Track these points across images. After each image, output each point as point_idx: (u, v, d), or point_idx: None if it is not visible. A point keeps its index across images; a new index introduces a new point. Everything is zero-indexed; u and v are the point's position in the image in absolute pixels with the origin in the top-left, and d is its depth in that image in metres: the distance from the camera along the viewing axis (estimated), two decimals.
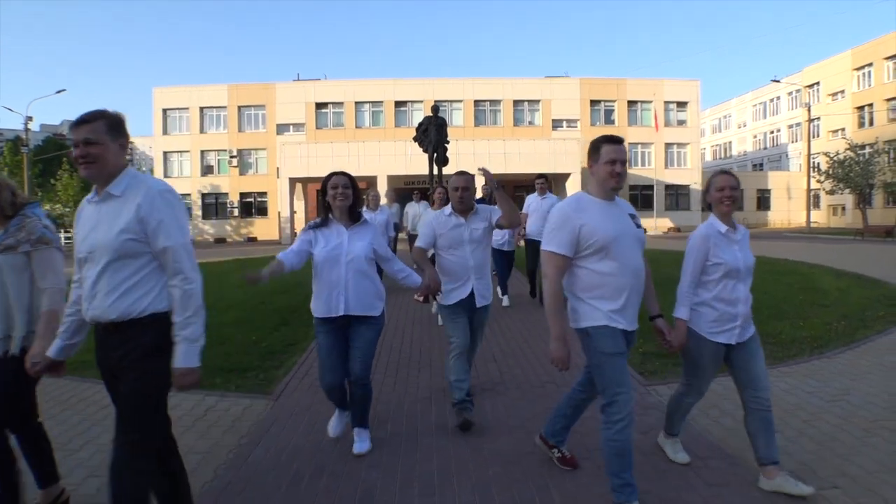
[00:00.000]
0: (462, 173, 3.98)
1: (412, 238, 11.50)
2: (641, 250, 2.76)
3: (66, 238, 42.63)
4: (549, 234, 2.70)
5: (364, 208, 8.98)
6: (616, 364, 2.64)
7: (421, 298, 6.15)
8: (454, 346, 3.88)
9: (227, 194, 40.26)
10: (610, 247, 2.60)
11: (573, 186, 32.17)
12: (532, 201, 8.34)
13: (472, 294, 3.88)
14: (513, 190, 32.06)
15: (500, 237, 8.12)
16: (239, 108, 39.99)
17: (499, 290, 8.53)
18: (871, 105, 41.38)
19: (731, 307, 2.92)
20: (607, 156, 2.66)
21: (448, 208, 3.99)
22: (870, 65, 41.43)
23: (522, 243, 8.71)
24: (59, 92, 34.32)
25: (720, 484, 2.94)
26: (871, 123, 41.34)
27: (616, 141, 2.70)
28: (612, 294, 2.64)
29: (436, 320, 7.10)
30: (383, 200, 13.35)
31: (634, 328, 2.76)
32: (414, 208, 11.51)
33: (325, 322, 3.39)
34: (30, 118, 34.16)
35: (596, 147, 2.72)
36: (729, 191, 2.93)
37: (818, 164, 38.42)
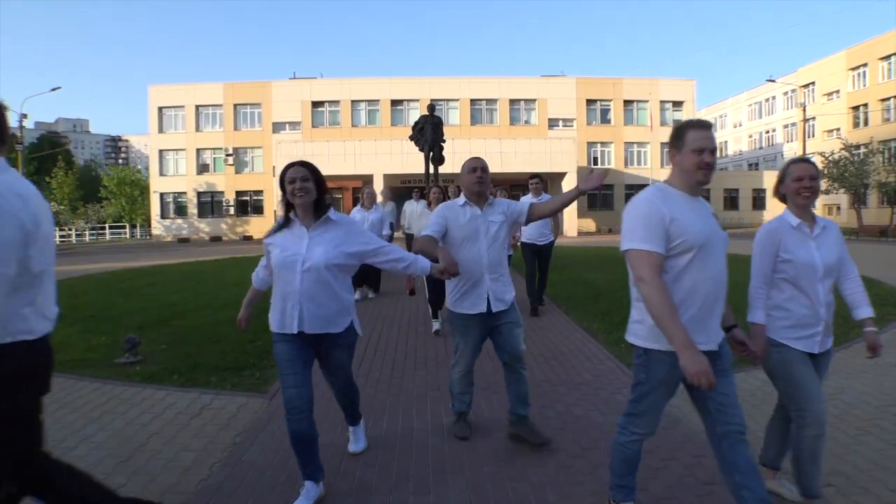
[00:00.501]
0: (478, 158, 3.58)
1: (409, 238, 11.23)
2: (723, 256, 2.36)
3: (63, 237, 42.52)
4: (634, 230, 2.26)
5: (359, 206, 8.84)
6: (660, 394, 2.37)
7: (409, 292, 6.23)
8: (459, 362, 3.55)
9: (222, 193, 40.19)
10: (698, 249, 2.22)
11: (568, 186, 32.21)
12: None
13: (486, 299, 3.38)
14: (509, 189, 32.06)
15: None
16: (235, 106, 39.93)
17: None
18: (865, 105, 41.57)
19: (808, 311, 2.60)
20: (695, 143, 2.27)
21: (461, 198, 3.55)
22: (864, 65, 41.62)
23: (519, 245, 8.52)
24: (53, 90, 34.12)
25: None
26: (865, 123, 41.54)
27: (704, 126, 2.32)
28: (692, 305, 2.23)
29: (430, 329, 6.88)
30: (379, 199, 13.23)
31: (713, 348, 2.30)
32: (412, 207, 11.23)
33: (284, 335, 2.89)
34: (24, 116, 33.90)
35: (680, 133, 2.33)
36: (808, 181, 2.63)
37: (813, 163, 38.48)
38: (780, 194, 2.79)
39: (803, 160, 2.72)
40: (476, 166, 3.47)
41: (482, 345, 3.55)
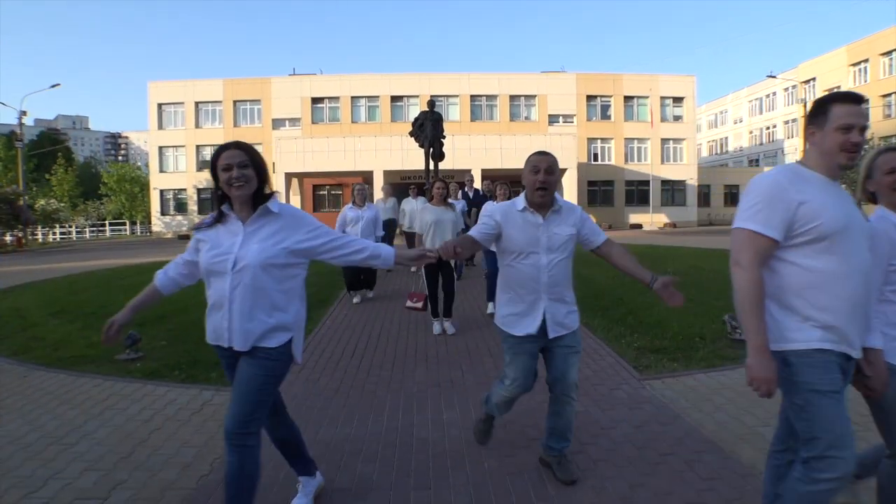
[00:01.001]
0: (544, 154, 2.91)
1: (409, 236, 10.95)
2: (868, 250, 1.99)
3: (63, 234, 42.51)
4: (750, 209, 1.98)
5: (350, 204, 8.26)
6: (831, 406, 1.96)
7: (419, 305, 5.95)
8: (508, 387, 2.97)
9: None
10: (835, 237, 1.88)
11: (569, 183, 32.21)
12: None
13: (542, 321, 2.84)
14: (510, 186, 32.03)
15: None
16: (234, 102, 39.87)
17: (491, 305, 7.49)
18: (867, 101, 41.47)
19: None
20: (841, 119, 1.93)
21: (520, 200, 2.92)
22: (865, 61, 41.56)
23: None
24: (53, 87, 34.08)
25: (713, 478, 2.96)
26: (867, 119, 41.47)
27: (854, 100, 1.97)
28: (830, 303, 1.90)
29: (431, 328, 6.59)
30: (379, 195, 13.02)
31: (858, 355, 2.01)
32: (410, 204, 11.06)
33: (222, 349, 2.40)
34: (24, 113, 33.85)
35: (823, 107, 1.99)
36: None
37: None
38: (869, 192, 2.38)
39: (893, 149, 2.32)
40: (539, 167, 2.82)
41: (535, 366, 2.97)
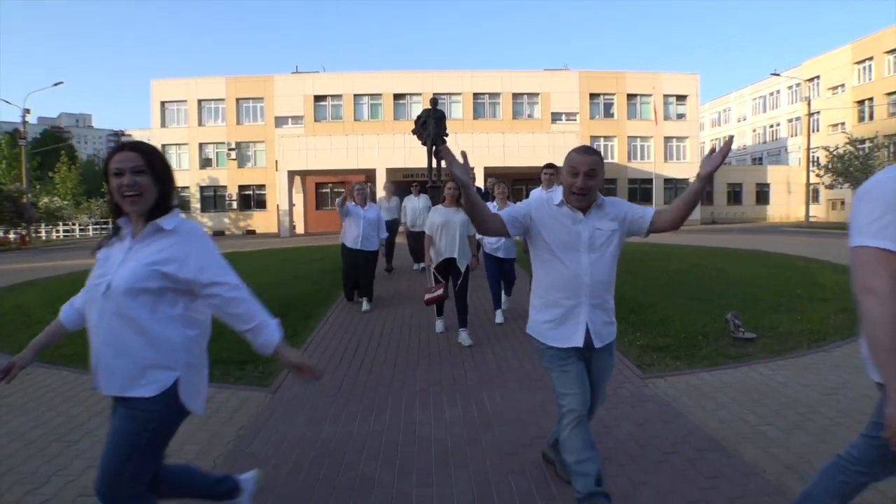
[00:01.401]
0: (586, 152, 2.52)
1: (411, 235, 10.73)
2: None
3: (66, 232, 42.62)
4: (876, 222, 1.63)
5: (351, 203, 7.55)
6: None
7: (439, 292, 5.85)
8: (567, 411, 2.50)
9: (225, 187, 40.21)
10: None
11: None
12: (538, 197, 6.35)
13: (584, 330, 2.53)
14: (512, 184, 32.03)
15: (495, 240, 6.53)
16: (237, 100, 39.87)
17: (498, 314, 6.90)
18: (871, 99, 41.34)
19: None
20: None
21: (558, 194, 2.59)
22: (870, 58, 41.36)
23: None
24: (56, 84, 34.13)
25: (716, 476, 2.96)
26: (871, 118, 41.31)
27: None
28: None
29: (435, 327, 6.45)
30: (381, 193, 12.32)
31: None
32: (413, 203, 10.77)
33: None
34: (27, 111, 33.92)
35: None
36: None
37: (818, 158, 38.41)
38: None
39: None
40: (578, 169, 2.45)
41: (588, 379, 2.59)
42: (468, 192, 2.38)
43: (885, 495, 2.60)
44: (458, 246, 5.92)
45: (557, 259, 2.54)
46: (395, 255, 11.45)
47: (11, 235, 31.95)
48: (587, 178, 2.44)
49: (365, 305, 7.65)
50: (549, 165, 6.63)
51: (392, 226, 10.71)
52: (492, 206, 7.82)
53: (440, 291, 5.87)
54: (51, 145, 58.90)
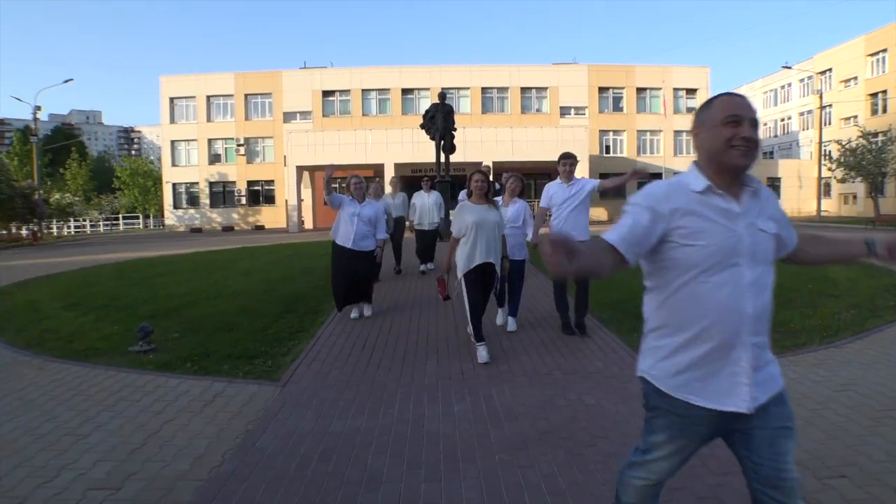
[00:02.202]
0: (740, 97, 1.70)
1: (419, 234, 10.00)
2: None
3: (77, 228, 42.96)
4: None
5: (347, 197, 6.78)
6: None
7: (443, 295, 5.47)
8: (647, 465, 1.95)
9: (234, 182, 40.38)
10: None
11: (580, 174, 31.89)
12: (555, 190, 5.85)
13: (744, 384, 1.68)
14: (522, 178, 31.96)
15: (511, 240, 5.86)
16: (246, 96, 40.00)
17: (500, 313, 6.48)
18: (884, 92, 40.80)
19: None
20: None
21: (693, 175, 1.71)
22: (884, 51, 40.78)
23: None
24: (66, 81, 34.33)
25: (727, 472, 2.93)
26: (884, 111, 40.79)
27: None
28: None
29: (479, 356, 5.07)
30: (388, 189, 11.44)
31: None
32: (422, 199, 9.91)
33: None
34: (38, 108, 34.14)
35: None
36: None
37: (829, 152, 38.01)
38: None
39: None
40: (741, 116, 1.64)
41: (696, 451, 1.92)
42: (578, 258, 1.50)
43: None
44: (496, 248, 5.17)
45: (709, 275, 1.66)
46: (401, 253, 10.69)
47: (23, 231, 32.23)
48: (753, 129, 1.65)
49: (366, 311, 6.95)
50: (567, 156, 5.83)
51: (399, 223, 10.12)
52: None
53: (445, 292, 5.52)
54: (62, 142, 59.38)
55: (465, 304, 5.26)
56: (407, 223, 10.38)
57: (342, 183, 34.45)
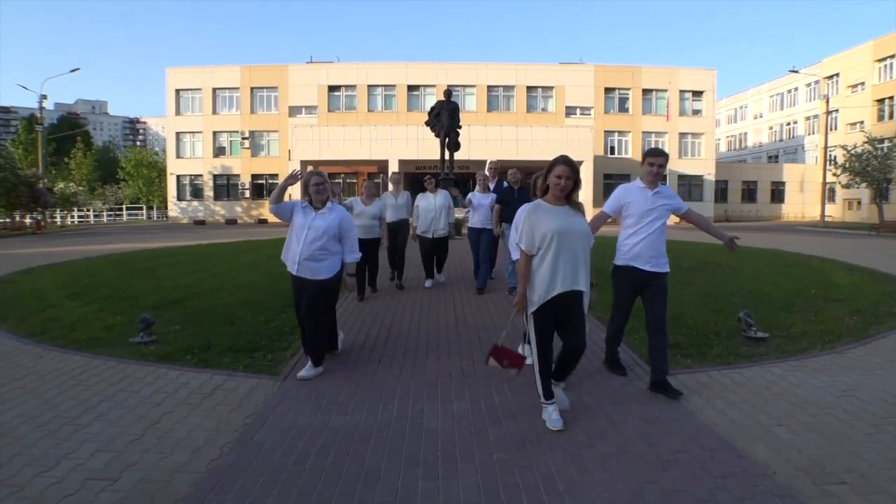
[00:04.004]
0: None
1: (423, 242, 8.45)
2: None
3: (81, 217, 43.04)
4: None
5: (300, 202, 4.89)
6: None
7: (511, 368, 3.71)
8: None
9: (238, 176, 40.44)
10: None
11: (585, 176, 31.95)
12: (635, 197, 4.34)
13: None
14: (525, 176, 31.91)
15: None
16: (252, 89, 40.02)
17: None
18: (891, 98, 40.66)
19: None
20: None
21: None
22: (892, 56, 40.64)
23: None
24: (73, 71, 34.39)
25: (726, 476, 2.92)
26: (890, 117, 40.66)
27: None
28: None
29: (548, 419, 3.61)
30: (390, 187, 8.91)
31: None
32: (428, 201, 8.34)
33: None
34: (44, 97, 34.21)
35: None
36: None
37: (835, 157, 37.88)
38: None
39: None
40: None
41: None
42: None
43: None
44: (585, 270, 3.55)
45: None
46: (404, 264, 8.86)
47: (27, 220, 32.33)
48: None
49: (310, 371, 4.62)
50: (656, 152, 4.32)
51: (400, 227, 8.52)
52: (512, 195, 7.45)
53: (524, 360, 3.80)
54: (67, 131, 59.45)
55: (531, 349, 3.73)
56: (411, 232, 8.66)
57: (347, 178, 34.15)
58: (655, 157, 4.27)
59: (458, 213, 7.92)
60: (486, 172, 8.64)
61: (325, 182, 4.85)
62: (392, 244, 8.45)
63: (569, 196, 3.60)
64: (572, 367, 3.77)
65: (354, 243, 4.84)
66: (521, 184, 7.71)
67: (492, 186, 8.41)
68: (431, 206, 8.27)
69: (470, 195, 8.23)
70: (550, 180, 3.59)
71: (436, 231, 8.34)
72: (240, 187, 40.47)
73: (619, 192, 4.41)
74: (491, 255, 8.35)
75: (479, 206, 8.06)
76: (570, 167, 3.53)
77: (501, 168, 8.49)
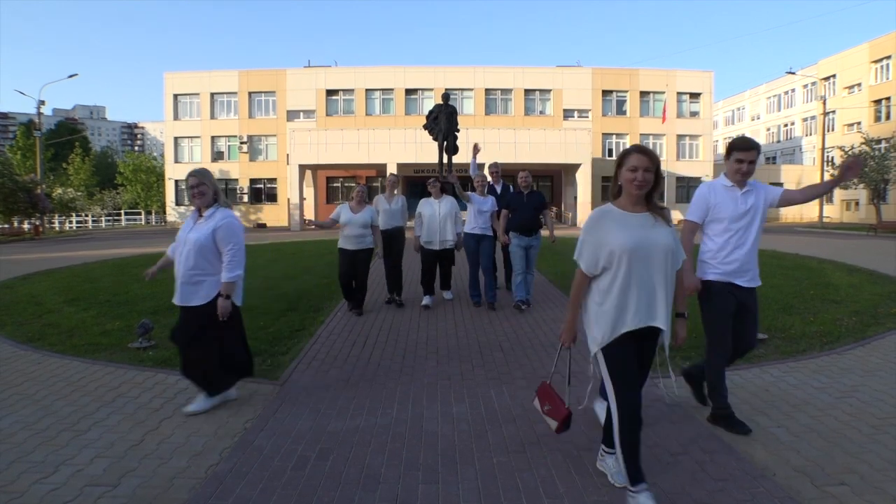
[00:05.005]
0: None
1: (426, 255, 7.50)
2: None
3: (79, 223, 42.98)
4: None
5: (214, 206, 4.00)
6: None
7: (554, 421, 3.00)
8: None
9: (237, 180, 40.41)
10: None
11: (583, 178, 32.02)
12: (723, 198, 3.62)
13: None
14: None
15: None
16: (249, 94, 40.04)
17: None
18: (888, 98, 40.75)
19: None
20: None
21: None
22: (888, 57, 40.74)
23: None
24: (71, 76, 34.37)
25: (725, 479, 2.92)
26: (887, 117, 40.73)
27: None
28: None
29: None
30: (395, 190, 8.08)
31: None
32: (431, 208, 7.39)
33: None
34: (42, 102, 34.17)
35: None
36: None
37: (832, 158, 37.98)
38: None
39: None
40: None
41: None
42: None
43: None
44: (666, 297, 2.76)
45: None
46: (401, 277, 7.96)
47: (25, 226, 32.28)
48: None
49: (204, 403, 3.96)
50: (746, 144, 3.56)
51: (395, 236, 7.60)
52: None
53: (565, 415, 3.01)
54: (65, 137, 59.43)
55: (607, 401, 2.75)
56: (416, 243, 7.58)
57: (346, 182, 34.27)
58: (744, 153, 3.49)
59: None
60: (487, 174, 8.30)
61: (202, 183, 3.91)
62: (386, 255, 7.46)
63: (648, 197, 2.74)
64: (639, 423, 2.64)
65: (235, 257, 3.94)
66: (531, 188, 7.25)
67: (498, 189, 8.15)
68: (436, 214, 7.34)
69: (469, 193, 7.38)
70: (622, 176, 2.71)
71: (443, 242, 7.39)
72: (238, 192, 40.44)
73: (704, 193, 3.66)
74: (494, 265, 7.64)
75: (479, 212, 7.36)
76: (647, 156, 2.65)
77: (502, 171, 8.31)
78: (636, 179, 2.63)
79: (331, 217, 7.15)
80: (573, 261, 2.78)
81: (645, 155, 2.65)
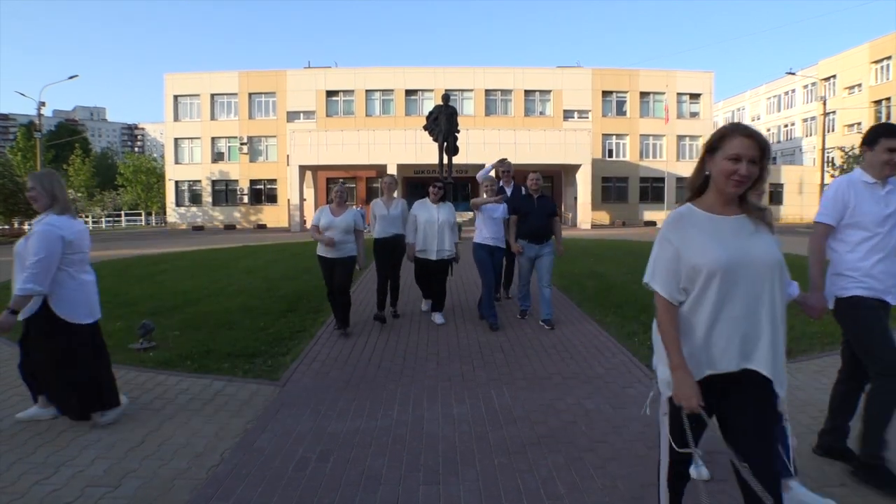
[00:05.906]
0: None
1: (420, 264, 6.75)
2: None
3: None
4: None
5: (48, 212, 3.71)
6: None
7: None
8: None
9: (237, 181, 40.44)
10: None
11: (583, 179, 32.03)
12: (861, 198, 3.06)
13: None
14: (523, 180, 31.93)
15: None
16: (250, 95, 40.05)
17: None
18: (888, 99, 40.79)
19: None
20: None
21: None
22: (888, 58, 40.80)
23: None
24: (71, 78, 34.39)
25: (725, 480, 2.92)
26: (888, 118, 40.74)
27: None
28: None
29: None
30: (396, 193, 7.39)
31: None
32: (428, 212, 6.60)
33: None
34: (43, 104, 34.21)
35: None
36: None
37: (832, 158, 37.98)
38: None
39: None
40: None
41: None
42: None
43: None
44: (772, 331, 2.02)
45: None
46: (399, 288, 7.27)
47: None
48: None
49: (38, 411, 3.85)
50: (891, 130, 2.89)
51: (394, 246, 6.80)
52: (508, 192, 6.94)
53: None
54: (65, 138, 59.48)
55: (662, 460, 2.28)
56: (412, 252, 6.77)
57: (346, 183, 34.30)
58: (890, 137, 2.81)
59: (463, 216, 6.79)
60: (493, 173, 7.57)
61: (33, 188, 3.66)
62: (383, 265, 6.78)
63: (744, 194, 1.95)
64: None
65: (34, 269, 3.43)
66: (541, 191, 6.68)
67: (509, 191, 7.32)
68: (433, 220, 6.54)
69: (478, 200, 6.63)
70: (717, 165, 1.91)
71: (440, 252, 6.57)
72: (238, 193, 40.47)
73: (840, 190, 2.98)
74: (508, 278, 7.44)
75: (490, 218, 6.55)
76: (755, 141, 1.86)
77: (510, 170, 7.60)
78: (737, 173, 1.84)
79: (311, 223, 6.47)
80: (644, 284, 2.05)
81: (753, 139, 1.85)
